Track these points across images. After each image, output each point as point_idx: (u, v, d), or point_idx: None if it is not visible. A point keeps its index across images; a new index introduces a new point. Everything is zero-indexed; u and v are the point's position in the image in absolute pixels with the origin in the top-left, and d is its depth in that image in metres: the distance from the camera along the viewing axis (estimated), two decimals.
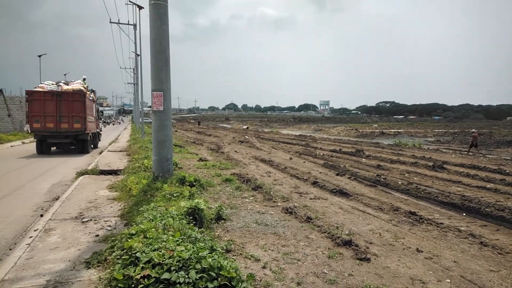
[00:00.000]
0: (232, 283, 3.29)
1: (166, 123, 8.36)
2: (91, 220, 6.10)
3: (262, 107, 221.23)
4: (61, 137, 16.59)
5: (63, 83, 17.93)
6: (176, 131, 40.41)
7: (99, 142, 22.36)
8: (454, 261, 4.59)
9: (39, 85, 16.95)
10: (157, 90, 8.19)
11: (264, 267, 4.09)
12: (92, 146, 19.64)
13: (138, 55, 28.92)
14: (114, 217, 6.27)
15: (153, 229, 4.26)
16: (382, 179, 10.28)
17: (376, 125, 57.20)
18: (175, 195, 6.55)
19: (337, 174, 11.18)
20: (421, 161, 14.75)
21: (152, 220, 4.76)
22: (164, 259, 3.50)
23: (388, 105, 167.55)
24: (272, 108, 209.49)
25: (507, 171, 12.28)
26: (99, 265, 4.14)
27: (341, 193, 8.27)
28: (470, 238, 5.59)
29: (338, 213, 6.66)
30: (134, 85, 42.45)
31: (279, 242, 4.94)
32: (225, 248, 4.47)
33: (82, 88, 17.36)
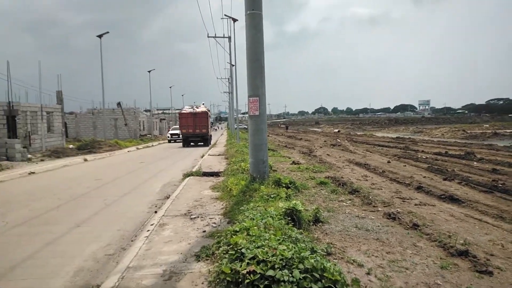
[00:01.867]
0: (336, 286, 3.23)
1: (261, 127, 8.64)
2: (198, 217, 6.61)
3: (354, 109, 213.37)
4: (195, 137, 27.81)
5: (196, 107, 29.48)
6: (268, 135, 41.35)
7: (211, 141, 32.09)
8: None
9: (183, 109, 29.34)
10: (253, 96, 8.52)
11: (368, 273, 3.92)
12: (210, 142, 29.83)
13: (233, 65, 30.58)
14: (218, 215, 6.70)
15: (255, 227, 4.43)
16: (500, 185, 9.01)
17: (487, 125, 50.44)
18: (272, 196, 6.71)
19: (445, 179, 10.16)
20: None
21: (253, 219, 4.96)
22: (268, 257, 3.61)
23: (502, 102, 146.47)
24: (365, 110, 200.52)
25: None
26: (208, 259, 4.46)
27: (451, 199, 7.49)
28: None
29: (449, 220, 6.04)
30: (229, 93, 44.94)
31: (383, 249, 4.68)
32: (325, 250, 4.41)
33: (205, 109, 29.02)
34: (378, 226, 5.66)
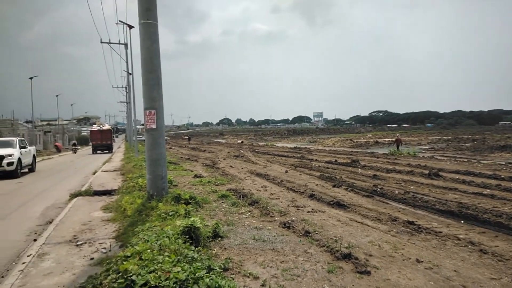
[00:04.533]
0: None
1: (159, 141, 8.31)
2: (85, 243, 5.97)
3: (256, 120, 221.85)
4: (102, 146, 36.36)
5: (101, 124, 40.15)
6: (170, 147, 40.23)
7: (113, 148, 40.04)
8: (455, 270, 4.53)
9: (93, 126, 38.63)
10: (150, 108, 8.17)
11: (263, 285, 4.00)
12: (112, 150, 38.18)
13: (130, 74, 29.02)
14: (109, 239, 6.15)
15: (149, 251, 4.18)
16: (379, 189, 10.26)
17: (370, 135, 57.47)
18: (170, 213, 6.46)
19: (334, 186, 11.15)
20: (416, 170, 14.78)
21: (147, 241, 4.67)
22: (161, 281, 3.43)
23: (381, 114, 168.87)
24: (266, 121, 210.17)
25: (502, 176, 12.33)
26: None
27: (339, 205, 8.23)
28: (469, 246, 5.55)
29: (336, 225, 6.60)
30: (126, 103, 42.51)
31: (277, 258, 4.86)
32: (223, 266, 4.38)
33: (109, 127, 39.11)
34: (274, 236, 5.87)
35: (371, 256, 4.99)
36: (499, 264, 4.82)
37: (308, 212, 7.68)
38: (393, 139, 34.37)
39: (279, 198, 9.26)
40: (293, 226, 6.29)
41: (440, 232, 6.24)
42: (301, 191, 10.20)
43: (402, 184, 11.49)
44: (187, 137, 69.34)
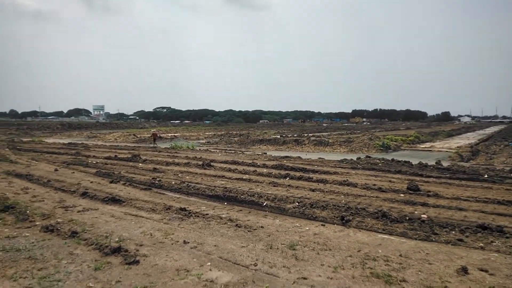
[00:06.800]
0: None
1: None
2: None
3: (20, 112, 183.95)
4: None
5: None
6: None
7: None
8: (215, 245, 5.25)
9: None
10: None
11: None
12: None
13: None
14: None
15: None
16: (157, 182, 10.57)
17: (155, 130, 58.18)
18: None
19: (111, 182, 10.69)
20: (193, 161, 16.05)
21: None
22: None
23: (165, 110, 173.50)
24: (34, 114, 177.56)
25: (258, 164, 15.09)
26: None
27: (114, 200, 7.96)
28: (228, 223, 6.53)
29: (109, 221, 6.38)
30: None
31: (34, 267, 4.26)
32: None
33: None
34: (33, 242, 5.12)
35: (141, 246, 5.11)
36: (248, 234, 5.91)
37: (79, 211, 7.07)
38: (152, 135, 32.29)
39: (43, 200, 8.08)
40: (57, 229, 5.66)
41: (207, 214, 7.06)
42: (72, 190, 9.25)
43: (179, 175, 12.25)
44: None
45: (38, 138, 41.58)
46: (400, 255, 4.88)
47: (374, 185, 9.96)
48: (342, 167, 14.03)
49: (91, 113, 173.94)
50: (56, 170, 13.51)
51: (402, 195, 8.78)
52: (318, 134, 38.09)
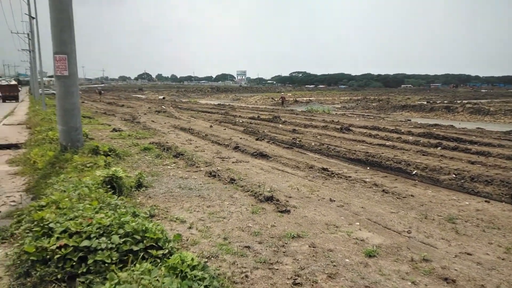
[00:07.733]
0: (158, 243, 3.24)
1: (72, 89, 7.59)
2: None
3: (179, 77, 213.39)
4: (10, 97, 39.58)
5: (9, 80, 47.59)
6: (83, 102, 36.97)
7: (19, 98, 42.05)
8: (362, 207, 5.16)
9: (2, 82, 43.91)
10: (60, 53, 7.33)
11: (190, 228, 4.11)
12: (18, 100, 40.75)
13: (33, 18, 25.11)
14: (18, 192, 5.63)
15: (66, 199, 3.95)
16: (298, 142, 10.91)
17: (290, 94, 59.65)
18: (88, 165, 6.10)
19: (257, 139, 11.53)
20: (330, 125, 15.92)
21: (64, 191, 4.40)
22: (83, 227, 3.29)
23: (301, 75, 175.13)
24: (189, 78, 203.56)
25: (402, 131, 13.97)
26: (4, 242, 3.73)
27: (261, 155, 8.58)
28: (374, 188, 6.30)
29: (259, 173, 6.93)
30: (30, 52, 37.09)
31: (204, 204, 4.99)
32: (148, 213, 4.36)
33: (15, 83, 44.40)
34: (200, 184, 5.97)
35: (290, 197, 5.41)
36: (397, 201, 5.60)
37: (233, 162, 7.90)
38: (281, 98, 36.78)
39: (204, 151, 9.30)
40: (218, 175, 6.45)
41: (350, 176, 6.96)
42: (226, 144, 10.36)
43: (318, 137, 12.34)
44: (98, 91, 62.56)
45: (193, 99, 47.59)
46: None
47: None
48: (509, 140, 11.79)
49: (234, 77, 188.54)
50: (211, 126, 15.31)
51: None
52: (474, 101, 32.65)
